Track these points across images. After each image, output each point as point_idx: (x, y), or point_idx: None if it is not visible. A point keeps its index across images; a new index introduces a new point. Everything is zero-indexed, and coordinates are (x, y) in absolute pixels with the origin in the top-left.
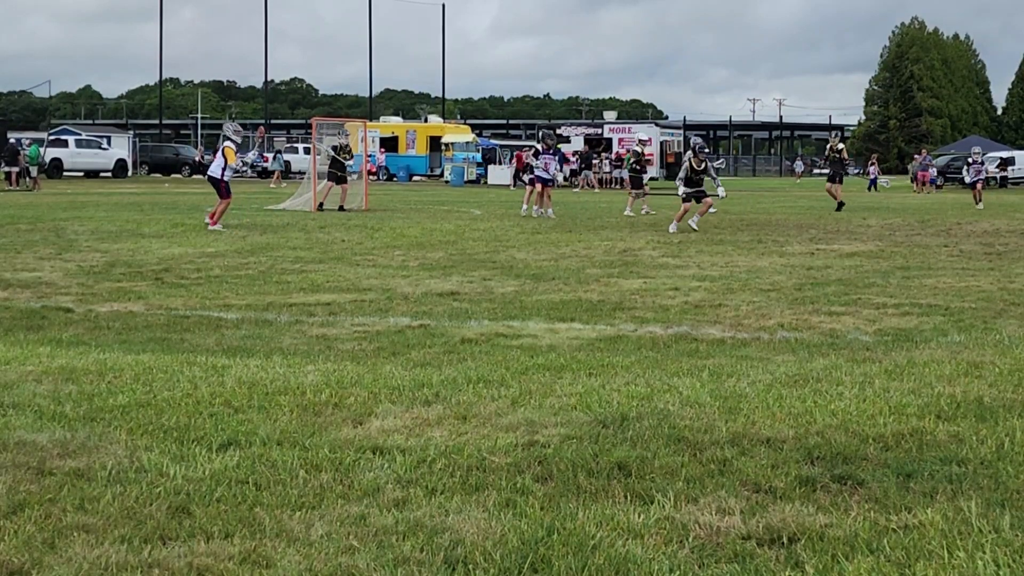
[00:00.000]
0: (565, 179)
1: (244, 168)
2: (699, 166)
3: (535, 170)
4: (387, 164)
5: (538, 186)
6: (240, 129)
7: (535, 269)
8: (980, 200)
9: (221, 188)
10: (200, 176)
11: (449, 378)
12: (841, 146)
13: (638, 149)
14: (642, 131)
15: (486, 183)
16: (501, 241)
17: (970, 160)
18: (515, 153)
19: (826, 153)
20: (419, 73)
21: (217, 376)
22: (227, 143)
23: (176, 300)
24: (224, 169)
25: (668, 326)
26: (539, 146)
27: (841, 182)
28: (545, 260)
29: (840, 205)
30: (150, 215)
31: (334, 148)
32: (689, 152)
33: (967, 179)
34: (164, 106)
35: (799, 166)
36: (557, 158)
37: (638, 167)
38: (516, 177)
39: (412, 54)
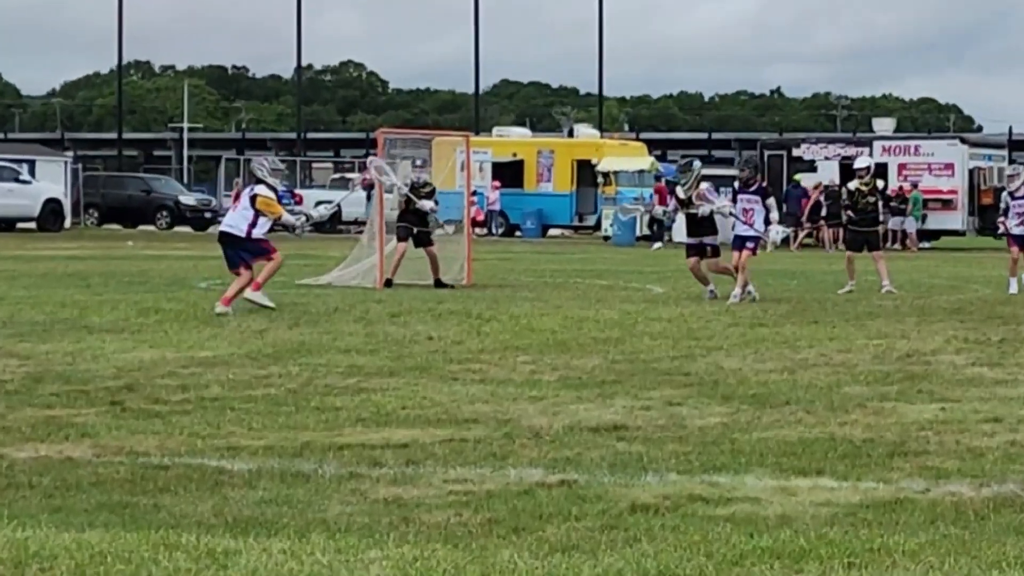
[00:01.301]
0: (803, 228)
1: (305, 226)
2: None
3: (736, 226)
4: (504, 208)
5: (743, 253)
6: (279, 166)
7: (755, 386)
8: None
9: (256, 246)
10: (185, 229)
11: (612, 572)
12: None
13: (858, 185)
14: (939, 150)
15: (671, 240)
16: (698, 338)
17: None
18: (656, 186)
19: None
20: (557, 55)
21: (217, 570)
22: (259, 188)
23: (147, 439)
24: (253, 225)
25: (984, 483)
26: (736, 177)
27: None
28: (772, 371)
29: None
30: (101, 294)
31: (411, 186)
32: None
33: None
34: (126, 109)
35: None
36: (764, 200)
37: (852, 212)
38: (651, 227)
39: (545, 24)
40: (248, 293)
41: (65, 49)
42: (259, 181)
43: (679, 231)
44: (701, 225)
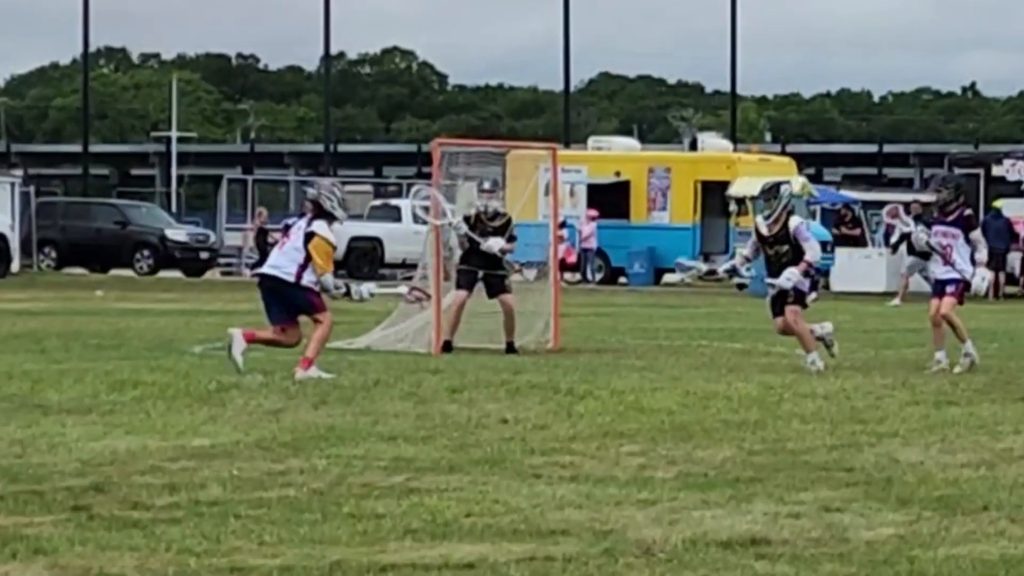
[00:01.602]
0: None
1: (339, 296)
2: None
3: (931, 264)
4: (603, 245)
5: (944, 300)
6: (337, 196)
7: (942, 485)
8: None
9: (304, 298)
10: (174, 273)
11: None
12: None
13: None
14: None
15: (826, 287)
16: (865, 422)
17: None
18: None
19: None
20: (674, 40)
21: None
22: (318, 225)
23: (122, 557)
24: (303, 268)
25: None
26: (929, 202)
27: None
28: (964, 465)
29: None
30: (61, 362)
31: (475, 218)
32: None
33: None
34: (93, 112)
35: None
36: (967, 233)
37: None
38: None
39: (659, 0)
40: (299, 374)
41: (12, 33)
42: (319, 215)
43: (843, 278)
44: (783, 267)
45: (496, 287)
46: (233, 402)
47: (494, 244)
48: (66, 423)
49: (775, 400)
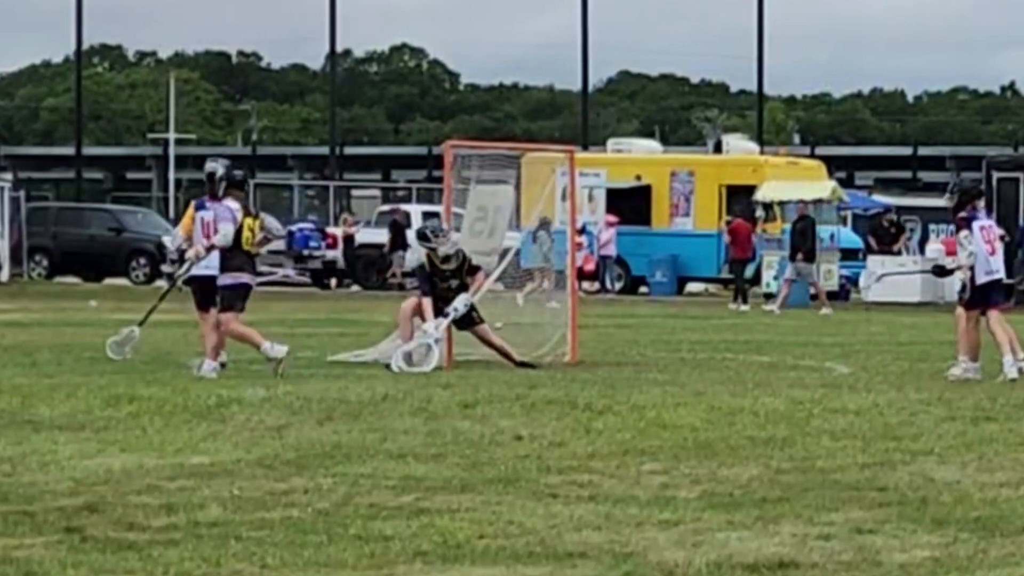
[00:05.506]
0: None
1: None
2: None
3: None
4: (623, 253)
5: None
6: None
7: (979, 505)
8: None
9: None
10: (174, 285)
11: None
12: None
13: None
14: None
15: (864, 299)
16: (899, 438)
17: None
18: (734, 223)
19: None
20: (698, 38)
21: None
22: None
23: None
24: None
25: None
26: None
27: None
28: (1003, 484)
29: None
30: (53, 376)
31: (426, 268)
32: None
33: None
34: (87, 113)
35: None
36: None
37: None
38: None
39: None
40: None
41: (0, 29)
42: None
43: (876, 288)
44: None
45: (465, 322)
46: (234, 418)
47: (459, 305)
48: (58, 440)
49: (804, 416)
